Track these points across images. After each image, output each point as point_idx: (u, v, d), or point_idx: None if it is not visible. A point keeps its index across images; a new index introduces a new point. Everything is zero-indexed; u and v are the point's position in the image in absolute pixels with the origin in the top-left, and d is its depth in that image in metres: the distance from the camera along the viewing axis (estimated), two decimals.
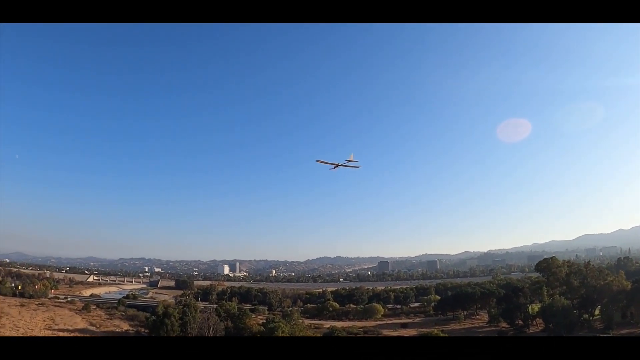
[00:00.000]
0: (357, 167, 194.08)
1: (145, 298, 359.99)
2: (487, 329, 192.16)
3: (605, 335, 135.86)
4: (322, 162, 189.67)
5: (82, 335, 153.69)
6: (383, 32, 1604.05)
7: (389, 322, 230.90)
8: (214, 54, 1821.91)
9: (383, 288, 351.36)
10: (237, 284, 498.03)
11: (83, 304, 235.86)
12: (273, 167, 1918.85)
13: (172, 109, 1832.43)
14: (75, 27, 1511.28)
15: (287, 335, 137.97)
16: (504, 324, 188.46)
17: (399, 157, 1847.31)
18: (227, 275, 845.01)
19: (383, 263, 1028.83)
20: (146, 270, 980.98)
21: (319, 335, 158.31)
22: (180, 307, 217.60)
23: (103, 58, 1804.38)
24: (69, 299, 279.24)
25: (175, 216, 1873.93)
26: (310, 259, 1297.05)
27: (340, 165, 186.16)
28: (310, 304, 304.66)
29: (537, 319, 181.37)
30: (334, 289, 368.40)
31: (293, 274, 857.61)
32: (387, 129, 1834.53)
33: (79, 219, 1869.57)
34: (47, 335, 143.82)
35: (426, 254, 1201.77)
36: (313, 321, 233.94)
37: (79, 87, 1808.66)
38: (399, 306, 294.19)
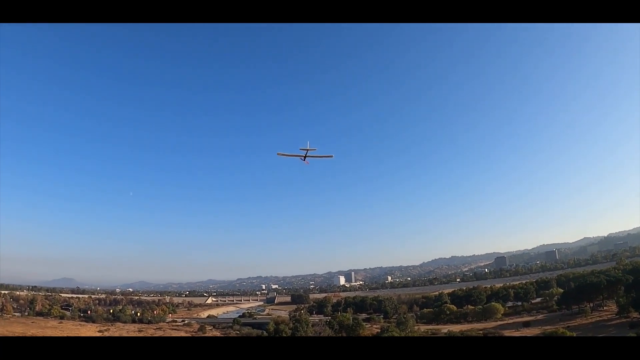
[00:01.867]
0: (330, 156, 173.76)
1: (261, 315, 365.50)
2: (617, 321, 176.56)
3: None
4: (283, 154, 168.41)
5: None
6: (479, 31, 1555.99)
7: (510, 321, 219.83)
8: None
9: (501, 285, 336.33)
10: (352, 294, 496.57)
11: (199, 326, 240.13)
12: (381, 171, 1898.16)
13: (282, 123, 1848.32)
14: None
15: None
16: (635, 314, 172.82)
17: (513, 146, 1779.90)
18: (343, 286, 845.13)
19: (500, 258, 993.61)
20: (263, 287, 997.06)
21: (323, 336, 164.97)
22: (292, 322, 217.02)
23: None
24: (186, 321, 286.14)
25: (288, 232, 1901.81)
26: (426, 261, 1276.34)
27: (308, 156, 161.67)
28: (427, 308, 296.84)
29: None
30: (450, 290, 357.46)
31: (409, 279, 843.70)
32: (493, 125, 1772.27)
33: (196, 244, 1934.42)
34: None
35: (543, 245, 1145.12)
36: (430, 326, 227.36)
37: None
38: (519, 303, 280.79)
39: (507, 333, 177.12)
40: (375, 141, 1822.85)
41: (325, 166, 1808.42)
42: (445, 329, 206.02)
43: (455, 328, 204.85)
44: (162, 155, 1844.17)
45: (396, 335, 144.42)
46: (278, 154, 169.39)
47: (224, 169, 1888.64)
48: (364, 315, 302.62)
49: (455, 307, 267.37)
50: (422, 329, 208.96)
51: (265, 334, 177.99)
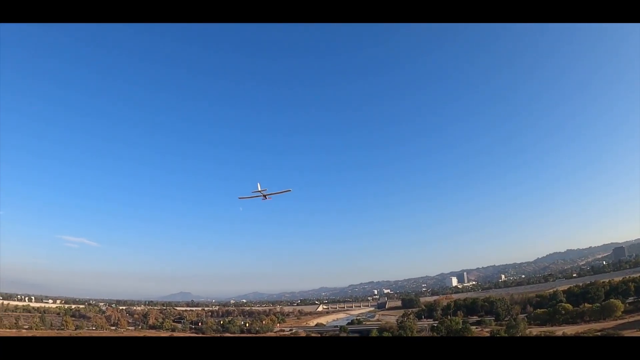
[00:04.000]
0: (288, 190, 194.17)
1: (370, 322, 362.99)
2: None
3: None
4: (244, 197, 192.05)
5: None
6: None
7: (631, 319, 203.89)
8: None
9: (620, 279, 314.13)
10: (464, 296, 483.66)
11: (305, 334, 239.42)
12: (486, 162, 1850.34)
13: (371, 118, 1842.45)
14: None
15: None
16: None
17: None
18: (455, 287, 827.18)
19: (618, 249, 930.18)
20: (375, 293, 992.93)
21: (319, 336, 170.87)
22: (396, 328, 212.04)
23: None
24: (293, 330, 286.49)
25: (399, 235, 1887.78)
26: (540, 257, 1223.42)
27: (268, 194, 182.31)
28: (541, 308, 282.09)
29: None
30: (566, 287, 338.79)
31: (523, 276, 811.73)
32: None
33: (307, 253, 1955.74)
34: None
35: None
36: (543, 328, 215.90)
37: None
38: None
39: (627, 333, 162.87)
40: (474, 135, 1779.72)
41: (433, 167, 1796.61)
42: (559, 330, 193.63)
43: (571, 330, 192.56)
44: (272, 168, 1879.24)
45: None
46: (239, 197, 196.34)
47: (332, 177, 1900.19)
48: (475, 318, 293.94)
49: (571, 306, 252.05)
50: (535, 332, 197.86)
51: None
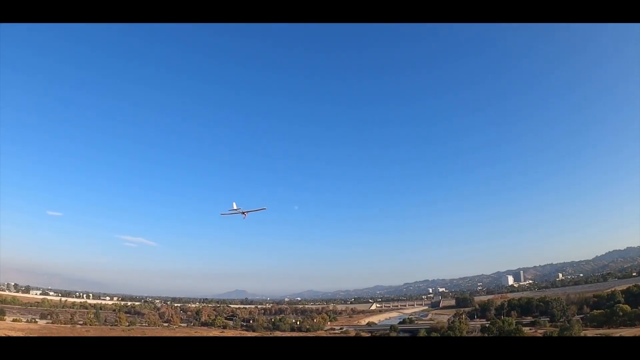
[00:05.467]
0: (263, 209, 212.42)
1: (423, 321, 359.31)
2: None
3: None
4: (227, 214, 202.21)
5: None
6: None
7: None
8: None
9: None
10: (519, 295, 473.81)
11: (355, 333, 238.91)
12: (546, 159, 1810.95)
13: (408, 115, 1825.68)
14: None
15: None
16: None
17: None
18: (511, 286, 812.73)
19: None
20: (430, 291, 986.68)
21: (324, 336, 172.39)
22: (446, 329, 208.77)
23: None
24: (343, 329, 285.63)
25: (454, 233, 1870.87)
26: (599, 255, 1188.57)
27: (246, 211, 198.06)
28: (598, 309, 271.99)
29: None
30: (625, 287, 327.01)
31: (581, 275, 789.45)
32: None
33: (362, 251, 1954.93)
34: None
35: None
36: (599, 331, 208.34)
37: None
38: None
39: None
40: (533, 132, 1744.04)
41: (492, 163, 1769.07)
42: (617, 333, 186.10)
43: (628, 332, 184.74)
44: (326, 165, 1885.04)
45: None
46: (221, 214, 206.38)
47: (385, 174, 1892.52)
48: (529, 319, 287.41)
49: (629, 307, 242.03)
50: (590, 334, 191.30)
51: None
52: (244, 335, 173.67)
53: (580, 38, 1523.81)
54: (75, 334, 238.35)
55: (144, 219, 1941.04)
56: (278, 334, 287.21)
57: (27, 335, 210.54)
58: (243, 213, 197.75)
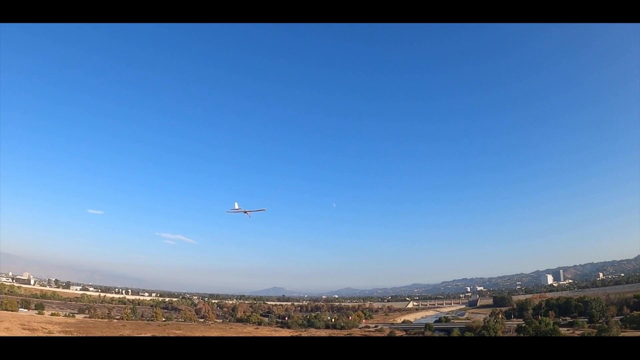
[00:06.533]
0: (263, 209, 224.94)
1: (459, 320, 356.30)
2: None
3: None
4: (231, 211, 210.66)
5: None
6: None
7: None
8: None
9: None
10: (558, 294, 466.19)
11: (389, 331, 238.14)
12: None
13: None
14: None
15: None
16: None
17: None
18: (551, 285, 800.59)
19: None
20: (468, 290, 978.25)
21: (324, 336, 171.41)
22: (480, 328, 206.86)
23: None
24: (378, 327, 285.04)
25: (493, 231, 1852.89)
26: None
27: (248, 211, 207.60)
28: (638, 310, 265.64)
29: None
30: None
31: (622, 275, 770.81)
32: None
33: (401, 250, 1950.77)
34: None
35: None
36: (639, 332, 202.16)
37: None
38: None
39: None
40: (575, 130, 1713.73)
41: (531, 161, 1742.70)
42: None
43: None
44: (367, 165, 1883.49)
45: None
46: (227, 211, 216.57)
47: (424, 171, 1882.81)
48: (567, 319, 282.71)
49: None
50: (629, 336, 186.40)
51: None
52: (252, 335, 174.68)
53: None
54: (112, 328, 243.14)
55: (184, 217, 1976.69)
56: (312, 330, 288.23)
57: (63, 328, 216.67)
58: (246, 212, 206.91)
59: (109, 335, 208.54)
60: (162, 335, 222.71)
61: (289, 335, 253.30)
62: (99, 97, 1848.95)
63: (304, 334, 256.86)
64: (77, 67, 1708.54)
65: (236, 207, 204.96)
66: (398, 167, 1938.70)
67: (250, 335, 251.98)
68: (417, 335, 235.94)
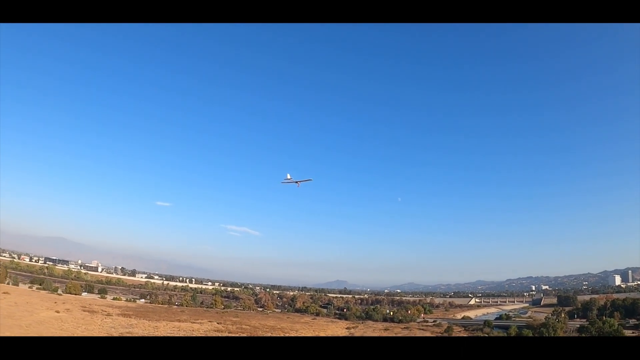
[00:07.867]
0: (310, 179, 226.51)
1: (520, 318, 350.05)
2: None
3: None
4: (285, 182, 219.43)
5: None
6: None
7: None
8: None
9: None
10: (624, 295, 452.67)
11: (447, 326, 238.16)
12: None
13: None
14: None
15: None
16: None
17: None
18: (618, 286, 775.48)
19: None
20: (533, 288, 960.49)
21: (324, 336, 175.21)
22: (539, 327, 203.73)
23: None
24: (436, 322, 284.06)
25: (560, 229, 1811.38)
26: None
27: (299, 181, 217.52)
28: None
29: None
30: None
31: None
32: None
33: (465, 246, 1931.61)
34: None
35: None
36: None
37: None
38: None
39: None
40: None
41: (600, 159, 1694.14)
42: None
43: None
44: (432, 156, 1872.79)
45: None
46: (281, 182, 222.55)
47: (492, 167, 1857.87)
48: (633, 321, 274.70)
49: None
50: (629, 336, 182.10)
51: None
52: (252, 336, 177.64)
53: None
54: (170, 313, 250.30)
55: (250, 210, 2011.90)
56: (370, 322, 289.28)
57: (122, 312, 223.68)
58: (296, 182, 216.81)
59: (165, 320, 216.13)
60: (219, 321, 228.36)
61: (345, 326, 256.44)
62: (173, 93, 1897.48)
63: (361, 326, 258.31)
64: (160, 66, 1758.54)
65: (288, 177, 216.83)
66: (466, 162, 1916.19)
67: (306, 324, 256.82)
68: (474, 332, 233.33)
